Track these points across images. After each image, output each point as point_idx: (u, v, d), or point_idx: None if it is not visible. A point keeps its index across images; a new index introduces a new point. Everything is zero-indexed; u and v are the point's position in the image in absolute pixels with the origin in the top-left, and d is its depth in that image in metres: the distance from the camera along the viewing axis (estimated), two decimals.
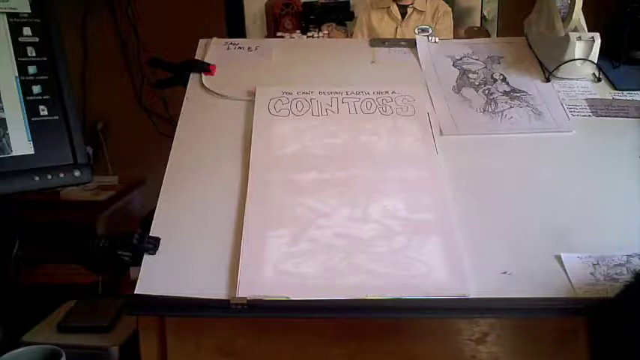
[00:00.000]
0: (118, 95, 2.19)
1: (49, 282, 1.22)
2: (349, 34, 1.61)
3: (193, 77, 1.09)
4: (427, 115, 1.01)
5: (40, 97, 0.92)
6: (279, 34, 1.65)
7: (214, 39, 1.17)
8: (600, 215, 0.87)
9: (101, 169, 2.15)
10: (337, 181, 0.91)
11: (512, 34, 1.23)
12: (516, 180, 0.92)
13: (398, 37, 1.58)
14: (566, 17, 1.07)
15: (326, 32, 1.63)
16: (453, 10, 1.61)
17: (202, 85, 1.07)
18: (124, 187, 1.95)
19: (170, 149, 0.99)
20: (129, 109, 2.19)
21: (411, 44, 1.17)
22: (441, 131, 0.99)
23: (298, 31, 1.64)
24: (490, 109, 1.03)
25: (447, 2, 1.61)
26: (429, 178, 0.91)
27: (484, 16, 1.60)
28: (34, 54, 0.92)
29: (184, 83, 1.09)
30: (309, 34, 1.60)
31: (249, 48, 1.16)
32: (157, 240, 0.82)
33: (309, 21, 1.62)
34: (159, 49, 2.07)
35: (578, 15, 1.06)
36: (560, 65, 1.06)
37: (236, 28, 1.66)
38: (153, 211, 0.91)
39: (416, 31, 1.54)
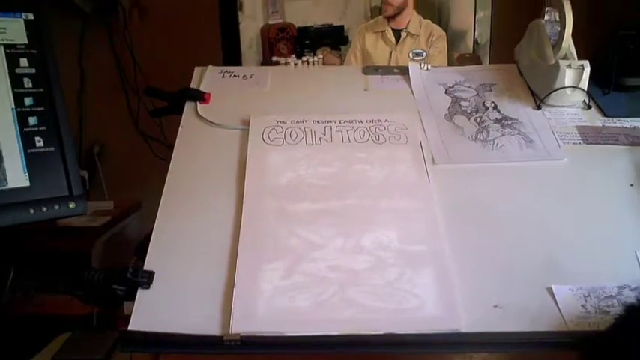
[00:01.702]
0: (115, 119, 2.20)
1: (43, 312, 1.22)
2: (343, 58, 1.63)
3: (189, 106, 1.10)
4: (420, 144, 1.02)
5: (36, 129, 0.93)
6: (274, 58, 1.66)
7: (210, 67, 1.19)
8: (591, 244, 0.88)
9: (97, 193, 2.16)
10: (331, 211, 0.91)
11: (505, 58, 1.25)
12: (508, 210, 0.92)
13: (392, 60, 1.60)
14: (556, 45, 1.08)
15: (321, 56, 1.64)
16: (446, 34, 1.63)
17: (197, 113, 1.08)
18: (120, 211, 1.95)
19: (166, 173, 1.00)
20: (125, 132, 2.20)
21: (404, 71, 1.18)
22: (433, 160, 1.00)
23: (293, 56, 1.65)
24: (482, 138, 1.04)
25: (440, 26, 1.63)
26: (422, 208, 0.92)
27: (476, 41, 1.62)
28: (30, 85, 0.93)
29: (180, 112, 1.10)
30: (304, 58, 1.60)
31: (244, 76, 1.18)
32: (151, 274, 0.83)
33: (303, 45, 1.64)
34: (156, 72, 2.11)
35: (567, 42, 1.07)
36: (551, 93, 1.07)
37: (232, 53, 1.67)
38: (148, 237, 0.92)
39: (410, 54, 1.57)
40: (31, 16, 0.93)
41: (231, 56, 1.66)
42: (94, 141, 2.26)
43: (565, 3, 1.05)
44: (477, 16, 1.63)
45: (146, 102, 2.08)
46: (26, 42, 0.92)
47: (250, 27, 1.66)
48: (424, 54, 1.51)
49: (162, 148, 2.08)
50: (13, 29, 0.91)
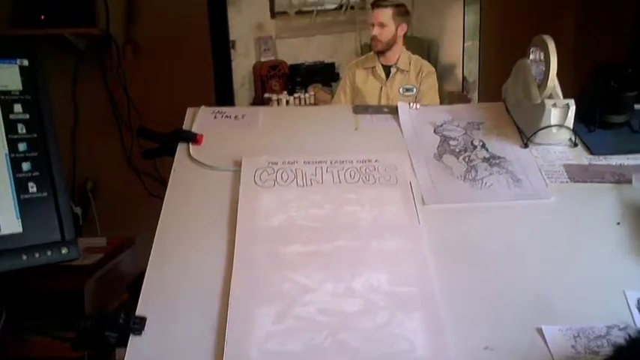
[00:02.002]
0: (108, 154, 2.22)
1: (34, 355, 1.21)
2: (334, 95, 1.65)
3: (181, 147, 1.11)
4: (409, 184, 1.03)
5: (29, 174, 0.93)
6: (266, 95, 1.69)
7: (202, 107, 1.20)
8: (580, 284, 0.89)
9: (90, 230, 2.16)
10: (322, 253, 0.92)
11: (493, 94, 1.27)
12: (497, 249, 0.93)
13: (383, 95, 1.62)
14: (542, 84, 1.10)
15: (312, 93, 1.67)
16: (436, 69, 1.66)
17: (190, 155, 1.09)
18: (113, 248, 1.94)
19: (160, 209, 1.00)
20: (118, 168, 2.21)
21: (393, 110, 1.20)
22: (423, 200, 1.01)
23: (285, 92, 1.68)
24: (470, 177, 1.05)
25: (429, 60, 1.65)
26: (412, 249, 0.93)
27: (465, 78, 1.64)
28: (24, 131, 0.94)
29: (172, 153, 1.11)
30: (296, 94, 1.64)
31: (235, 116, 1.19)
32: (142, 320, 0.83)
33: (295, 82, 1.66)
34: (149, 108, 2.14)
35: (553, 82, 1.09)
36: (537, 131, 1.09)
37: (225, 90, 1.69)
38: (141, 275, 0.92)
39: (400, 90, 1.59)
40: (25, 62, 0.94)
41: (224, 93, 1.68)
42: (88, 177, 2.26)
43: (549, 43, 1.08)
44: (465, 48, 1.66)
45: (139, 138, 2.10)
46: (21, 88, 0.94)
47: (243, 64, 1.68)
48: (414, 89, 1.53)
49: (155, 184, 2.09)
50: (8, 75, 0.93)
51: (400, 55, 1.53)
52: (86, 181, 2.26)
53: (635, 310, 0.85)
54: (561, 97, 1.09)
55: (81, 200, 2.23)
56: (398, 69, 1.52)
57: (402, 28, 1.49)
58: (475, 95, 1.67)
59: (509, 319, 0.84)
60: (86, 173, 2.26)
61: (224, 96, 1.69)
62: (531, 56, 1.14)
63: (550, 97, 1.09)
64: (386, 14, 1.45)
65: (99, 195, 2.28)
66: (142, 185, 2.16)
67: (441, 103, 1.66)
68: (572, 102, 1.08)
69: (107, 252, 1.87)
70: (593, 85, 1.13)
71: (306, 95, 1.65)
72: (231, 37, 1.66)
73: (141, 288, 0.89)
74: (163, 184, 1.89)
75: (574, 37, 2.08)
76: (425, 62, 1.59)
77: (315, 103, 1.65)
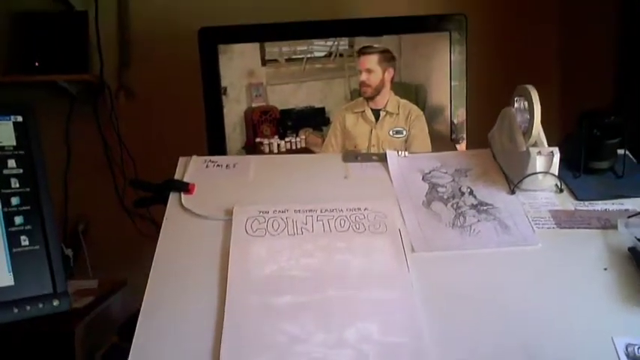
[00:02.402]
0: (100, 196, 2.22)
1: None
2: (325, 138, 1.67)
3: (173, 196, 1.13)
4: (399, 232, 1.04)
5: (22, 228, 0.95)
6: (258, 139, 1.71)
7: (194, 157, 1.22)
8: (568, 330, 0.89)
9: (81, 272, 2.15)
10: (313, 303, 0.93)
11: (481, 139, 1.29)
12: (486, 297, 0.94)
13: (373, 137, 1.64)
14: (527, 132, 1.13)
15: (303, 137, 1.69)
16: (424, 111, 1.69)
17: (182, 204, 1.11)
18: (104, 290, 1.94)
19: (151, 251, 1.01)
20: (110, 210, 2.22)
21: (382, 158, 1.22)
22: (412, 248, 1.02)
23: (276, 137, 1.70)
24: (459, 224, 1.07)
25: (418, 104, 1.68)
26: (402, 298, 0.94)
27: (452, 122, 1.67)
28: (17, 185, 0.95)
29: (164, 202, 1.13)
30: (287, 139, 1.66)
31: (227, 165, 1.21)
32: None
33: (286, 127, 1.69)
34: (142, 150, 2.16)
35: (537, 130, 1.12)
36: (524, 178, 1.11)
37: (216, 135, 1.71)
38: (131, 317, 0.92)
39: (390, 132, 1.62)
40: (20, 119, 0.96)
41: (216, 138, 1.70)
42: (79, 218, 2.27)
43: (533, 93, 1.10)
44: (452, 88, 1.69)
45: (131, 179, 2.12)
46: (14, 143, 0.96)
47: (234, 110, 1.70)
48: (404, 132, 1.56)
49: (147, 225, 2.10)
50: (2, 131, 0.95)
51: (389, 99, 1.56)
52: (77, 223, 2.27)
53: (623, 357, 0.85)
54: (546, 144, 1.12)
55: (72, 242, 2.22)
56: (387, 112, 1.55)
57: (389, 73, 1.53)
58: (463, 135, 1.70)
59: None
60: (78, 215, 2.26)
61: (216, 141, 1.71)
62: (516, 104, 1.17)
63: (535, 144, 1.12)
64: (372, 60, 1.49)
65: (90, 236, 2.28)
66: (133, 226, 2.16)
67: (432, 144, 1.68)
68: (556, 150, 1.10)
69: (98, 294, 1.87)
70: (576, 133, 1.16)
71: (298, 139, 1.67)
72: (223, 84, 1.69)
73: (131, 331, 0.89)
74: (155, 225, 1.92)
75: (558, 84, 2.13)
76: (413, 106, 1.63)
77: (307, 147, 1.67)
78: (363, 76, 1.54)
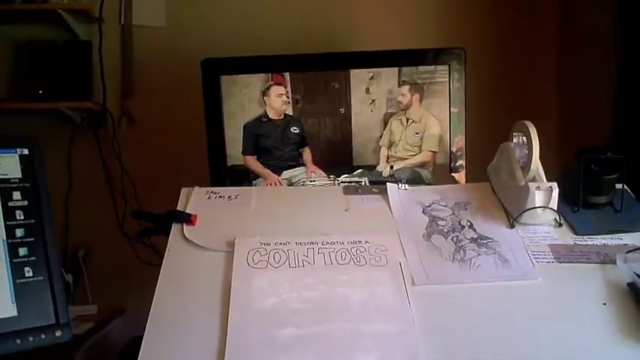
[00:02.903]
0: (101, 223, 2.23)
1: None
2: None
3: (175, 227, 1.14)
4: (399, 265, 1.05)
5: (26, 259, 0.96)
6: None
7: (196, 188, 1.23)
8: None
9: (80, 297, 2.15)
10: (314, 336, 0.93)
11: (480, 169, 1.31)
12: (485, 330, 0.95)
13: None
14: (525, 167, 1.14)
15: None
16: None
17: (184, 236, 1.12)
18: (103, 316, 1.94)
19: (151, 277, 1.02)
20: (111, 236, 2.22)
21: (383, 191, 1.23)
22: (413, 281, 1.03)
23: None
24: (459, 257, 1.08)
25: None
26: (403, 331, 0.94)
27: (452, 152, 1.69)
28: (22, 217, 0.96)
29: (167, 232, 1.14)
30: None
31: (229, 197, 1.22)
32: None
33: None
34: (143, 178, 2.17)
35: (536, 165, 1.14)
36: (523, 212, 1.13)
37: (219, 165, 1.72)
38: (130, 344, 0.92)
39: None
40: (25, 152, 0.98)
41: (218, 168, 1.71)
42: (80, 244, 2.27)
43: (531, 129, 1.12)
44: (451, 115, 1.72)
45: (133, 207, 2.13)
46: (20, 176, 0.97)
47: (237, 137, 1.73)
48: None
49: (147, 252, 2.10)
50: (8, 164, 0.96)
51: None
52: (78, 248, 2.27)
53: None
54: (545, 179, 1.13)
55: (72, 267, 2.23)
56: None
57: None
58: (462, 164, 1.72)
59: None
60: (78, 240, 2.27)
61: (218, 171, 1.72)
62: (514, 140, 1.19)
63: (534, 179, 1.13)
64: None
65: (91, 262, 2.29)
66: (133, 253, 2.17)
67: (432, 175, 1.71)
68: (555, 185, 1.11)
69: (97, 320, 1.87)
70: (574, 169, 1.17)
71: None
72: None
73: (130, 357, 0.90)
74: (155, 251, 1.92)
75: (556, 119, 2.16)
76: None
77: None
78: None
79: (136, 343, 0.93)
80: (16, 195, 0.96)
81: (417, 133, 1.72)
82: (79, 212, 2.24)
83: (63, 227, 2.21)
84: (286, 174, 1.73)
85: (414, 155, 1.73)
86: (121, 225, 2.22)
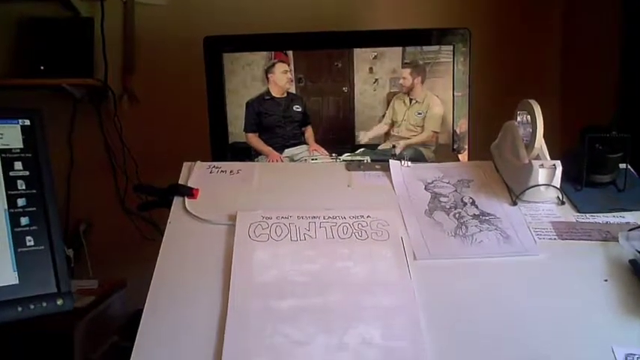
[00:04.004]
0: (102, 198, 2.23)
1: None
2: None
3: (177, 201, 1.14)
4: (401, 240, 1.05)
5: (27, 228, 0.96)
6: None
7: (198, 162, 1.23)
8: (568, 340, 0.90)
9: (81, 272, 2.15)
10: (315, 308, 0.93)
11: (483, 147, 1.31)
12: (486, 305, 0.95)
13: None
14: (529, 145, 1.14)
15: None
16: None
17: (185, 209, 1.12)
18: (104, 290, 1.93)
19: (151, 252, 1.02)
20: (112, 211, 2.22)
21: (385, 167, 1.23)
22: (414, 256, 1.03)
23: None
24: (461, 233, 1.08)
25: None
26: (404, 304, 0.94)
27: (455, 132, 1.69)
28: (24, 187, 0.96)
29: (168, 206, 1.14)
30: None
31: (231, 171, 1.22)
32: None
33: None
34: (144, 154, 2.17)
35: (540, 143, 1.13)
36: (526, 190, 1.12)
37: (221, 142, 1.72)
38: (131, 318, 0.93)
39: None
40: (27, 122, 0.98)
41: (220, 144, 1.71)
42: (81, 219, 2.27)
43: (535, 107, 1.12)
44: (455, 99, 1.71)
45: (134, 182, 2.13)
46: (21, 146, 0.97)
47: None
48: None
49: (148, 227, 2.10)
50: (10, 134, 0.96)
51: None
52: (79, 223, 2.27)
53: None
54: (548, 157, 1.13)
55: (73, 242, 2.23)
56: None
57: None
58: (465, 145, 1.71)
59: None
60: (79, 215, 2.27)
61: (220, 147, 1.72)
62: (518, 118, 1.19)
63: (537, 157, 1.13)
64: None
65: (91, 237, 2.29)
66: (134, 228, 2.17)
67: (435, 155, 1.71)
68: (558, 163, 1.11)
69: (98, 294, 1.86)
70: (579, 147, 1.17)
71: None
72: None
73: (131, 331, 0.90)
74: (156, 227, 1.93)
75: (560, 98, 2.15)
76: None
77: None
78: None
79: (138, 316, 0.93)
80: (18, 165, 0.96)
81: (419, 114, 1.71)
82: (81, 188, 2.23)
83: (64, 202, 2.21)
84: (288, 152, 1.73)
85: (417, 135, 1.73)
86: (122, 201, 2.22)
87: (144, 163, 2.18)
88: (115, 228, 2.23)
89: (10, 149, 0.96)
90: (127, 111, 2.20)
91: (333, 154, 1.73)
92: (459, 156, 1.70)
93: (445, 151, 1.69)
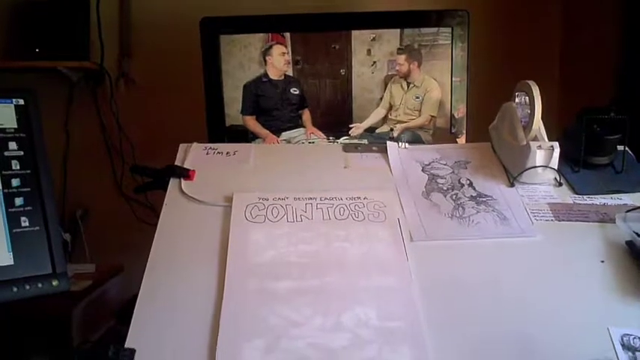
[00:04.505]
0: (99, 182, 2.23)
1: None
2: None
3: (173, 182, 1.13)
4: (398, 221, 1.05)
5: (22, 209, 0.95)
6: None
7: (194, 144, 1.22)
8: (564, 320, 0.90)
9: (79, 257, 2.15)
10: (311, 289, 0.93)
11: (481, 132, 1.30)
12: (483, 286, 0.95)
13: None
14: (527, 127, 1.13)
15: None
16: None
17: (182, 190, 1.11)
18: (101, 275, 1.93)
19: (149, 236, 1.02)
20: (109, 196, 2.22)
21: (382, 149, 1.22)
22: (411, 237, 1.03)
23: None
24: (458, 214, 1.07)
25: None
26: (400, 285, 0.94)
27: (453, 116, 1.68)
28: (18, 167, 0.96)
29: (164, 187, 1.13)
30: None
31: (227, 153, 1.21)
32: (132, 352, 0.83)
33: None
34: (141, 138, 2.16)
35: (538, 124, 1.12)
36: (523, 171, 1.12)
37: (217, 124, 1.71)
38: (129, 302, 0.93)
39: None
40: (21, 102, 0.97)
41: (217, 126, 1.70)
42: (78, 204, 2.27)
43: (534, 89, 1.11)
44: (453, 84, 1.70)
45: (130, 165, 2.12)
46: (16, 126, 0.96)
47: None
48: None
49: (145, 211, 2.10)
50: (4, 114, 0.95)
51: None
52: (76, 208, 2.27)
53: (618, 347, 0.86)
54: (546, 139, 1.12)
55: (70, 227, 2.23)
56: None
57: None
58: (463, 129, 1.71)
59: (495, 354, 0.85)
60: (76, 200, 2.26)
61: (216, 129, 1.71)
62: (517, 100, 1.18)
63: (535, 139, 1.12)
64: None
65: (88, 222, 2.29)
66: (131, 213, 2.17)
67: (432, 137, 1.70)
68: (556, 144, 1.11)
69: (95, 278, 1.86)
70: (576, 128, 1.16)
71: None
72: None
73: (129, 315, 0.90)
74: (153, 210, 1.92)
75: (559, 80, 2.14)
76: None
77: None
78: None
79: (135, 300, 0.93)
80: (12, 145, 0.95)
81: (417, 98, 1.71)
82: (77, 172, 2.23)
83: (61, 187, 2.20)
84: (285, 135, 1.72)
85: (414, 119, 1.72)
86: (118, 185, 2.22)
87: (140, 147, 2.17)
88: (112, 213, 2.23)
89: (4, 129, 0.95)
90: (124, 94, 2.19)
91: (331, 138, 1.72)
92: (457, 140, 1.70)
93: (443, 135, 1.68)
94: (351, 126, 1.72)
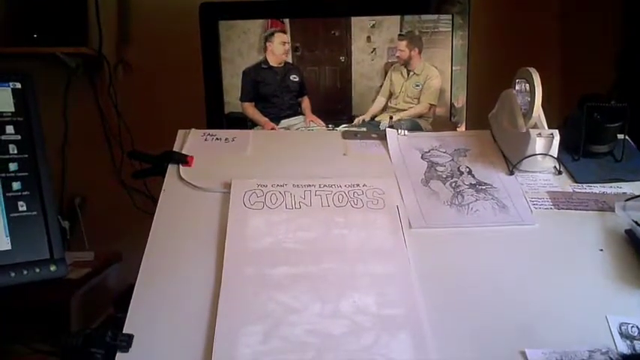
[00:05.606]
0: (97, 170, 2.21)
1: None
2: None
3: (171, 168, 1.12)
4: (396, 209, 1.05)
5: (19, 193, 0.94)
6: None
7: (192, 130, 1.22)
8: (563, 309, 0.90)
9: (77, 244, 2.15)
10: (309, 275, 0.93)
11: (481, 121, 1.30)
12: (482, 274, 0.95)
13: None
14: (527, 114, 1.13)
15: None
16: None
17: (180, 176, 1.10)
18: (100, 263, 1.93)
19: (147, 225, 1.01)
20: (107, 184, 2.21)
21: (382, 136, 1.22)
22: (409, 224, 1.02)
23: None
24: (457, 202, 1.07)
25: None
26: (399, 272, 0.94)
27: (453, 105, 1.67)
28: (15, 151, 0.95)
29: (163, 174, 1.12)
30: None
31: (225, 139, 1.21)
32: (130, 337, 0.83)
33: None
34: (140, 125, 2.15)
35: (538, 112, 1.12)
36: (523, 159, 1.12)
37: (216, 111, 1.70)
38: (127, 290, 0.92)
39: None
40: (18, 85, 0.96)
41: (215, 113, 1.69)
42: (76, 192, 2.26)
43: (534, 76, 1.10)
44: (453, 73, 1.70)
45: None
46: (13, 110, 0.95)
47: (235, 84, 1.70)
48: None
49: (143, 199, 2.10)
50: (1, 98, 0.95)
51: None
52: (74, 195, 2.26)
53: (616, 335, 0.86)
54: (546, 127, 1.12)
55: (69, 214, 2.22)
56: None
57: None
58: (463, 118, 1.70)
59: (494, 342, 0.85)
60: (75, 188, 2.26)
61: (215, 116, 1.71)
62: (517, 87, 1.17)
63: (535, 126, 1.12)
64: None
65: (87, 209, 2.28)
66: (130, 200, 2.16)
67: (432, 125, 1.69)
68: (556, 132, 1.10)
69: (94, 266, 1.86)
70: (577, 117, 1.16)
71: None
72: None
73: (127, 303, 0.90)
74: (152, 199, 1.92)
75: (559, 68, 2.13)
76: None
77: None
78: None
79: (133, 288, 0.92)
80: (9, 129, 0.95)
81: (417, 86, 1.71)
82: (76, 159, 2.22)
83: (59, 174, 2.20)
84: (284, 123, 1.71)
85: (413, 107, 1.72)
86: (117, 172, 2.21)
87: (139, 134, 2.16)
88: (111, 200, 2.22)
89: (1, 113, 0.94)
90: (122, 81, 2.18)
91: (330, 125, 1.72)
92: (457, 129, 1.69)
93: (442, 123, 1.68)
94: (356, 118, 1.73)
